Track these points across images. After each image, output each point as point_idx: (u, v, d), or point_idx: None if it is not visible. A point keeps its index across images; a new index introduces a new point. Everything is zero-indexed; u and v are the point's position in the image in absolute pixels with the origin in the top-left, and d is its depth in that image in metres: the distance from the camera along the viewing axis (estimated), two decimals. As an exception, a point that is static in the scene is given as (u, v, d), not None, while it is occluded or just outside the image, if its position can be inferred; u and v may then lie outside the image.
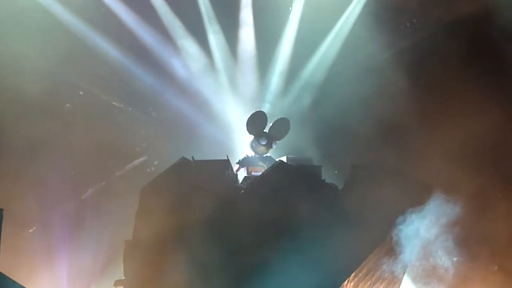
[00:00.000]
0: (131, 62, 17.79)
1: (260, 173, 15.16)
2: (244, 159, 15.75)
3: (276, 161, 15.20)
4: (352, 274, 13.78)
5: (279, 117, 16.52)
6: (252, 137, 16.06)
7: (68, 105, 17.35)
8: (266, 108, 17.99)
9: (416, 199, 14.03)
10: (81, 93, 17.50)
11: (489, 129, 15.88)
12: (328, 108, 17.63)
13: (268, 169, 14.94)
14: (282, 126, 16.12)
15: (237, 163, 15.71)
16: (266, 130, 16.15)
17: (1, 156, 16.03)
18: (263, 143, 15.84)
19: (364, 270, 13.98)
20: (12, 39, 16.53)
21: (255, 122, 16.02)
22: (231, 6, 18.29)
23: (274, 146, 15.99)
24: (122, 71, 17.76)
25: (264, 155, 15.95)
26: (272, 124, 16.13)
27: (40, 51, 16.82)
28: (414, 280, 15.46)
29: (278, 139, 16.11)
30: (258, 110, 16.43)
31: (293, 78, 18.38)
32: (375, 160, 15.27)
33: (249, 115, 16.15)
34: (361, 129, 16.89)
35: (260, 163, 15.75)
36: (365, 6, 18.03)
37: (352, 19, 18.09)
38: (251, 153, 15.98)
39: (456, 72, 16.43)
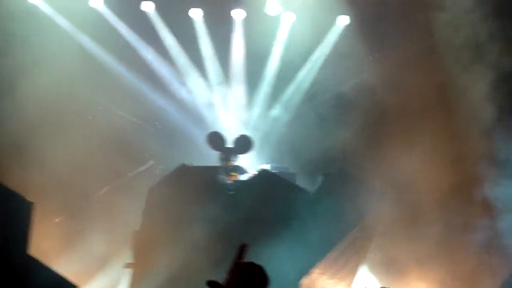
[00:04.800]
0: (143, 85, 18.43)
1: (233, 181, 15.93)
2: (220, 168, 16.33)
3: (260, 168, 15.98)
4: (320, 262, 14.39)
5: (243, 134, 17.10)
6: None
7: (90, 117, 17.88)
8: (251, 124, 18.74)
9: (373, 203, 14.78)
10: (101, 108, 18.07)
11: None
12: (303, 125, 18.15)
13: (253, 174, 15.78)
14: (243, 141, 16.72)
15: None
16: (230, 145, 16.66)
17: (34, 157, 16.45)
18: (222, 157, 16.47)
19: (330, 259, 14.64)
20: (52, 67, 17.09)
21: (214, 141, 16.68)
22: (226, 40, 18.69)
23: (234, 159, 16.53)
24: (135, 92, 18.40)
25: (234, 165, 16.49)
26: (235, 139, 16.72)
27: (73, 77, 17.44)
28: (370, 270, 16.25)
29: (242, 153, 16.71)
30: (214, 131, 17.05)
31: (276, 98, 18.89)
32: (342, 169, 15.80)
33: (207, 136, 16.78)
34: (331, 143, 17.47)
35: (232, 173, 16.29)
36: (337, 42, 18.60)
37: (325, 53, 18.65)
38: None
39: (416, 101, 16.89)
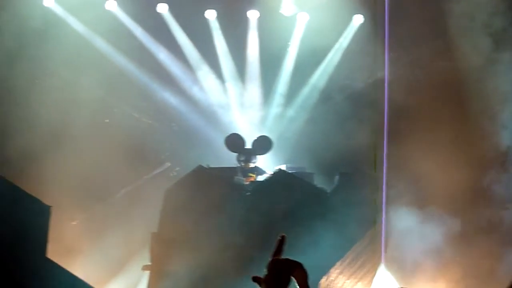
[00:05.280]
0: (158, 86, 18.47)
1: (250, 182, 15.98)
2: (237, 169, 16.44)
3: (276, 169, 16.00)
4: (338, 262, 14.52)
5: (263, 135, 17.23)
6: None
7: (107, 120, 17.91)
8: (268, 123, 18.72)
9: (390, 201, 14.91)
10: (115, 110, 18.11)
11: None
12: (320, 125, 18.04)
13: (270, 174, 15.85)
14: (263, 143, 16.89)
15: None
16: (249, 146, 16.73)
17: (52, 161, 16.52)
18: (242, 158, 16.58)
19: (348, 260, 14.73)
20: (68, 69, 17.40)
21: (232, 143, 16.78)
22: (240, 41, 18.70)
23: (254, 160, 16.64)
24: (150, 94, 18.50)
25: (252, 166, 16.58)
26: (254, 141, 16.85)
27: (88, 80, 17.57)
28: (388, 270, 16.30)
29: (261, 154, 16.80)
30: (232, 133, 17.18)
31: (292, 99, 18.87)
32: (358, 168, 15.78)
33: (226, 138, 16.88)
34: (347, 142, 17.22)
35: (249, 174, 16.36)
36: (351, 42, 18.54)
37: (339, 53, 18.60)
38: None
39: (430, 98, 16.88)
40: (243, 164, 16.52)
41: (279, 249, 5.46)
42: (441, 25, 17.04)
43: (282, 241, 5.42)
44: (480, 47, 16.29)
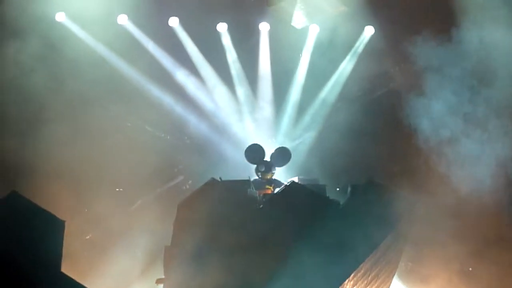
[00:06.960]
0: (170, 100, 18.60)
1: (262, 195, 15.87)
2: (253, 181, 16.30)
3: (289, 181, 15.79)
4: (352, 274, 14.24)
5: (282, 146, 17.25)
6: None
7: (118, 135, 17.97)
8: (280, 136, 18.78)
9: (403, 212, 14.82)
10: (129, 124, 18.26)
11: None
12: (332, 137, 18.17)
13: (283, 187, 15.54)
14: (281, 154, 16.88)
15: (250, 185, 16.52)
16: (268, 158, 16.71)
17: (64, 177, 16.72)
18: (262, 169, 16.57)
19: (362, 271, 14.50)
20: (81, 83, 17.59)
21: (252, 154, 16.77)
22: (252, 53, 18.87)
23: (274, 171, 16.65)
24: (162, 108, 18.58)
25: (269, 178, 16.61)
26: (273, 152, 16.85)
27: (101, 95, 17.73)
28: (401, 279, 16.28)
29: (279, 166, 16.81)
30: (253, 143, 17.05)
31: (304, 111, 19.00)
32: (371, 180, 15.75)
33: (246, 149, 16.84)
34: (358, 154, 17.45)
35: (267, 186, 16.42)
36: (362, 53, 18.69)
37: (351, 64, 18.72)
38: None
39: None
40: (260, 176, 16.57)
41: None
42: (453, 30, 17.13)
43: None
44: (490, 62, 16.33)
